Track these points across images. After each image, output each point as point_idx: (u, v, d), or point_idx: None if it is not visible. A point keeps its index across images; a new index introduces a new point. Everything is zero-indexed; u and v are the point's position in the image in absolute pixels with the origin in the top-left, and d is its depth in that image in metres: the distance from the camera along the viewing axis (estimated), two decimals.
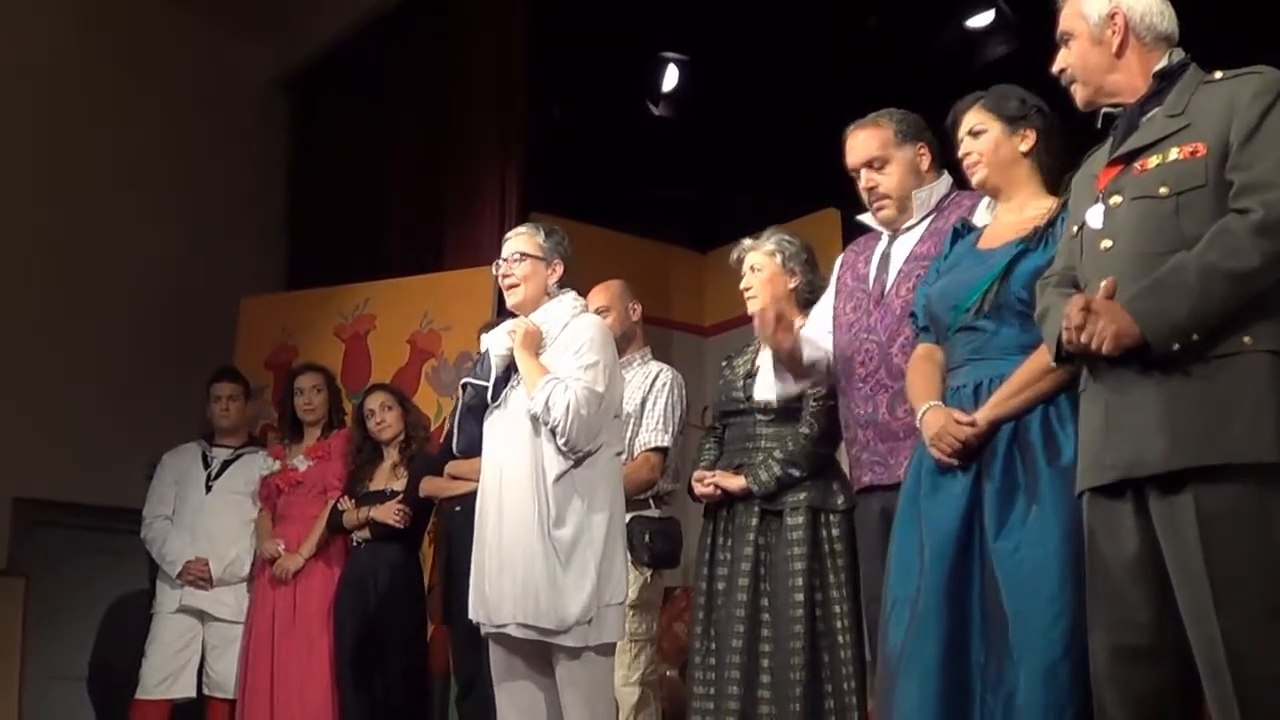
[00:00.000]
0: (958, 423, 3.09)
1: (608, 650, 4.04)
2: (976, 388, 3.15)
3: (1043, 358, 3.00)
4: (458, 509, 5.24)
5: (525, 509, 4.03)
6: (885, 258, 3.82)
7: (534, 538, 4.00)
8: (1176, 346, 2.57)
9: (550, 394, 4.00)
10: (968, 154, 3.35)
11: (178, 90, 8.02)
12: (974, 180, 3.38)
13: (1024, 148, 3.30)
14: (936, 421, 3.14)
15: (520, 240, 4.32)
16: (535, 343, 4.17)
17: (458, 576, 5.14)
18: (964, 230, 3.44)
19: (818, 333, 3.95)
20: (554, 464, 4.03)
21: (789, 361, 3.86)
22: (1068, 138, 3.33)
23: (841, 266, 3.97)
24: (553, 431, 4.00)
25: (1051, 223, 3.17)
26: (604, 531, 4.02)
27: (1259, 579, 2.49)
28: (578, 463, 4.04)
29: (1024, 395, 3.05)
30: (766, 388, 4.17)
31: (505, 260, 4.30)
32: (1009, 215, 3.31)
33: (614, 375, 4.19)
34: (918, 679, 3.02)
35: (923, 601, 3.06)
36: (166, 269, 7.73)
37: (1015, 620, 2.92)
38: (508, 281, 4.28)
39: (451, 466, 5.27)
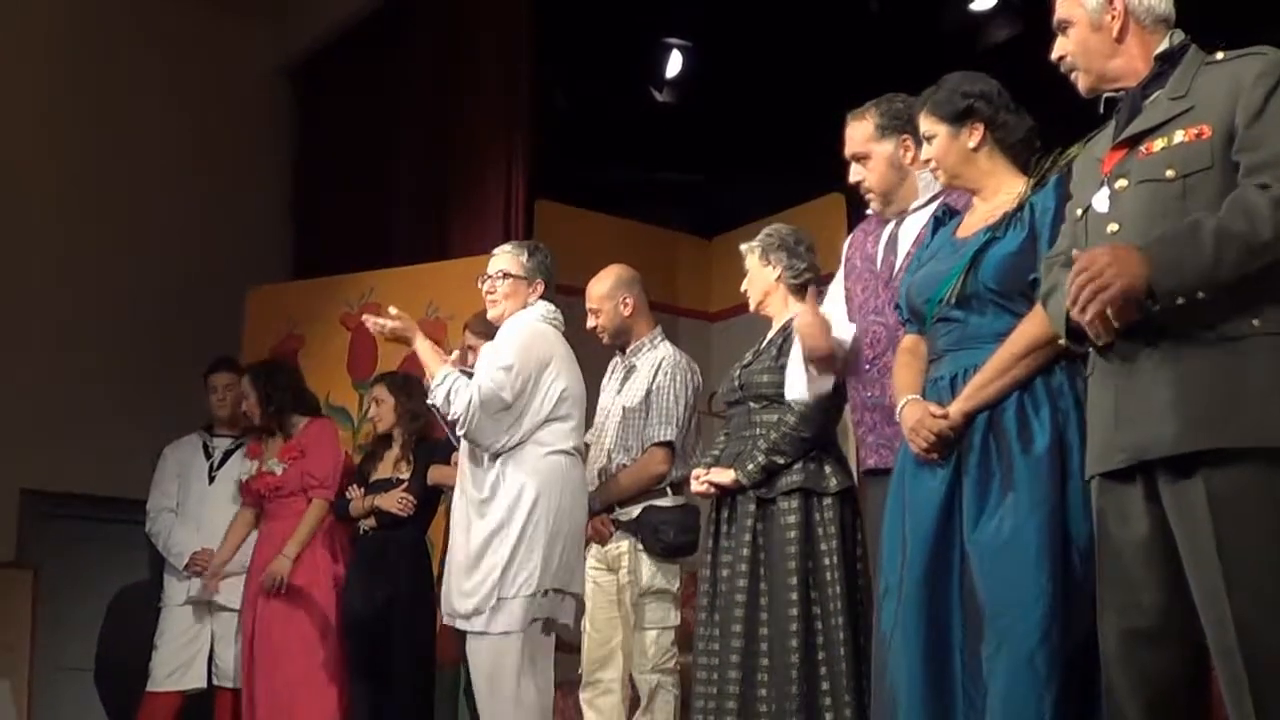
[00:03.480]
0: (932, 416, 3.10)
1: (509, 637, 4.26)
2: (953, 379, 3.16)
3: (1014, 345, 3.04)
4: None
5: (460, 503, 4.39)
6: (893, 239, 3.83)
7: (459, 530, 4.35)
8: (1181, 300, 2.55)
9: (451, 388, 4.26)
10: (928, 160, 3.37)
11: (181, 78, 8.01)
12: (940, 184, 3.45)
13: (972, 144, 3.29)
14: (913, 415, 3.15)
15: (504, 259, 4.61)
16: (413, 331, 4.42)
17: None
18: (945, 218, 3.45)
19: (836, 322, 3.96)
20: (482, 469, 4.33)
21: (828, 361, 3.85)
22: (1027, 105, 3.34)
23: (850, 247, 4.00)
24: (451, 425, 4.28)
25: (1021, 206, 3.18)
26: (521, 525, 4.26)
27: (1270, 560, 2.49)
28: (501, 459, 4.31)
29: (996, 384, 3.06)
30: (798, 386, 4.11)
31: (490, 277, 4.58)
32: (984, 204, 3.31)
33: (553, 376, 4.41)
34: (905, 669, 3.06)
35: (905, 594, 3.09)
36: (171, 259, 7.74)
37: (991, 611, 2.94)
38: (490, 298, 4.56)
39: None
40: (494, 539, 4.28)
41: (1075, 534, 2.94)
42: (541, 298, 4.60)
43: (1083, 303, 2.61)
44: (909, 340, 3.38)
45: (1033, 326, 3.03)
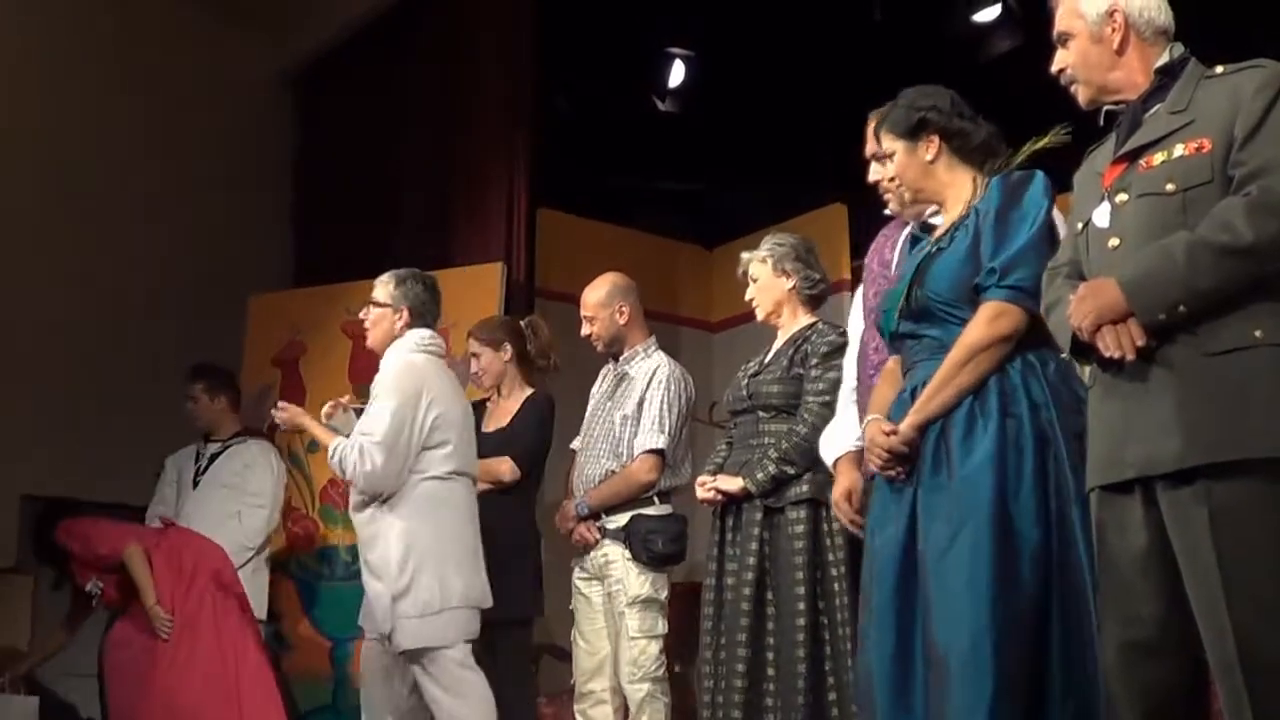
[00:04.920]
0: (883, 433, 3.12)
1: (442, 651, 4.49)
2: (913, 391, 3.17)
3: (955, 354, 3.06)
4: None
5: (361, 540, 4.63)
6: (909, 242, 3.82)
7: (363, 560, 4.59)
8: (1163, 317, 2.57)
9: (340, 457, 4.50)
10: (891, 179, 3.41)
11: (183, 86, 8.00)
12: (907, 200, 3.45)
13: (929, 156, 3.31)
14: (869, 434, 3.20)
15: (377, 288, 4.79)
16: (299, 417, 4.77)
17: None
18: (919, 236, 3.45)
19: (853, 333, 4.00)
20: (355, 497, 4.60)
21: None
22: (1029, 115, 3.39)
23: (871, 252, 3.99)
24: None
25: (968, 214, 3.20)
26: (402, 551, 4.46)
27: (1269, 572, 2.48)
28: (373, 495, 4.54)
29: (942, 395, 3.07)
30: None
31: (368, 305, 4.79)
32: (947, 216, 3.33)
33: (425, 405, 4.56)
34: (876, 658, 3.07)
35: (876, 602, 3.12)
36: (173, 265, 7.73)
37: (936, 618, 2.93)
38: (365, 326, 4.76)
39: None
40: (383, 565, 4.47)
41: (1024, 538, 2.93)
42: (415, 326, 4.73)
43: (1088, 335, 2.66)
44: (890, 362, 3.41)
45: (972, 333, 3.06)
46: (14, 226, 7.22)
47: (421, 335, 4.73)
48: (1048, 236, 3.12)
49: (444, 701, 4.50)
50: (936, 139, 3.29)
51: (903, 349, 3.29)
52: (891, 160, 3.36)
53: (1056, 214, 3.24)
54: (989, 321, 3.05)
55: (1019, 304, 3.05)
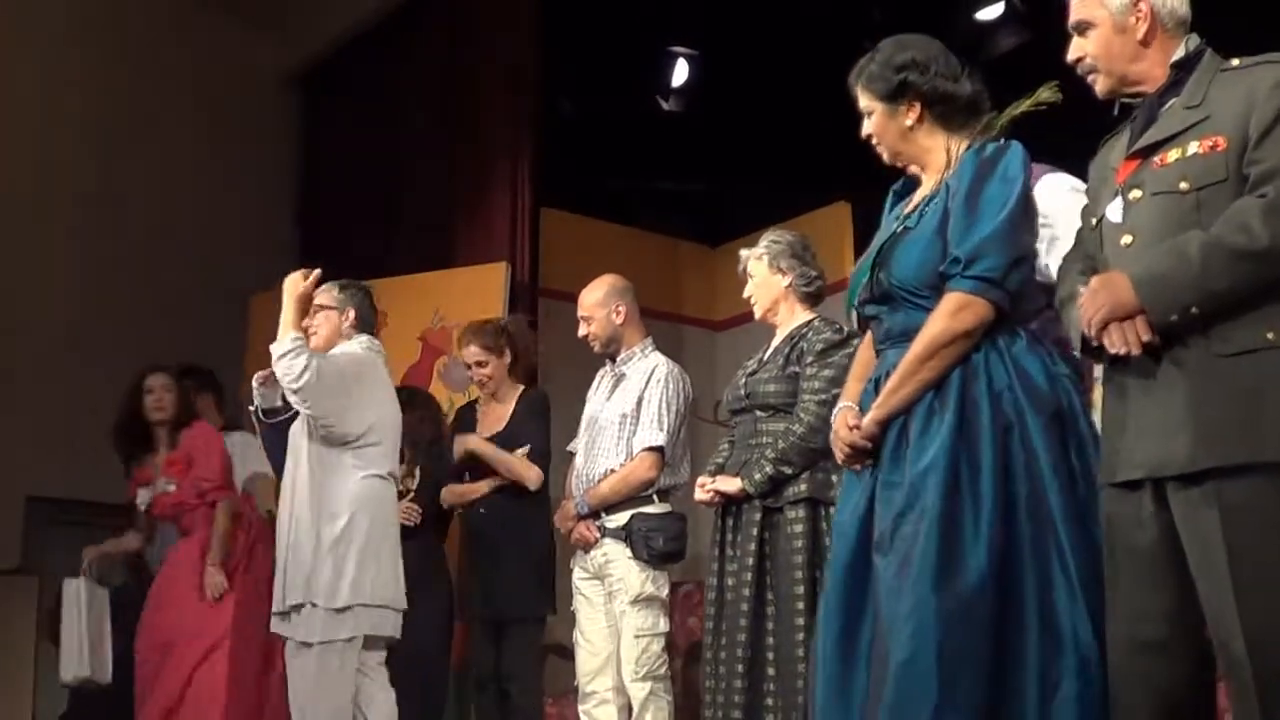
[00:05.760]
0: (847, 427, 3.04)
1: (313, 647, 4.43)
2: (878, 381, 3.06)
3: (917, 348, 2.93)
4: (481, 510, 5.29)
5: (288, 513, 4.57)
6: None
7: (284, 539, 4.54)
8: (1175, 318, 2.55)
9: (292, 351, 4.39)
10: (868, 136, 3.19)
11: (188, 86, 8.02)
12: (885, 159, 3.22)
13: (909, 121, 3.10)
14: (836, 423, 3.12)
15: (321, 295, 4.78)
16: (305, 298, 4.58)
17: (477, 574, 5.23)
18: (903, 191, 3.27)
19: None
20: (303, 481, 4.52)
21: None
22: (1032, 116, 3.25)
23: None
24: (287, 385, 4.43)
25: (938, 189, 3.05)
26: (331, 542, 4.44)
27: (1279, 573, 2.47)
28: (324, 478, 4.51)
29: (903, 391, 2.95)
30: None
31: (314, 311, 4.76)
32: (928, 179, 3.16)
33: (369, 400, 4.57)
34: (818, 668, 2.98)
35: (828, 587, 3.05)
36: (177, 266, 7.74)
37: (885, 618, 2.83)
38: (309, 330, 4.68)
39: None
40: (303, 551, 4.44)
41: (979, 533, 2.79)
42: (360, 331, 4.78)
43: (1095, 331, 2.64)
44: (867, 337, 3.26)
45: (934, 327, 2.92)
46: (14, 226, 7.22)
47: (371, 340, 4.80)
48: (1021, 218, 2.94)
49: (303, 694, 4.48)
50: (918, 105, 3.09)
51: (871, 328, 3.18)
52: (868, 118, 3.15)
53: (1048, 182, 3.09)
54: (951, 315, 2.90)
55: (984, 296, 2.89)
